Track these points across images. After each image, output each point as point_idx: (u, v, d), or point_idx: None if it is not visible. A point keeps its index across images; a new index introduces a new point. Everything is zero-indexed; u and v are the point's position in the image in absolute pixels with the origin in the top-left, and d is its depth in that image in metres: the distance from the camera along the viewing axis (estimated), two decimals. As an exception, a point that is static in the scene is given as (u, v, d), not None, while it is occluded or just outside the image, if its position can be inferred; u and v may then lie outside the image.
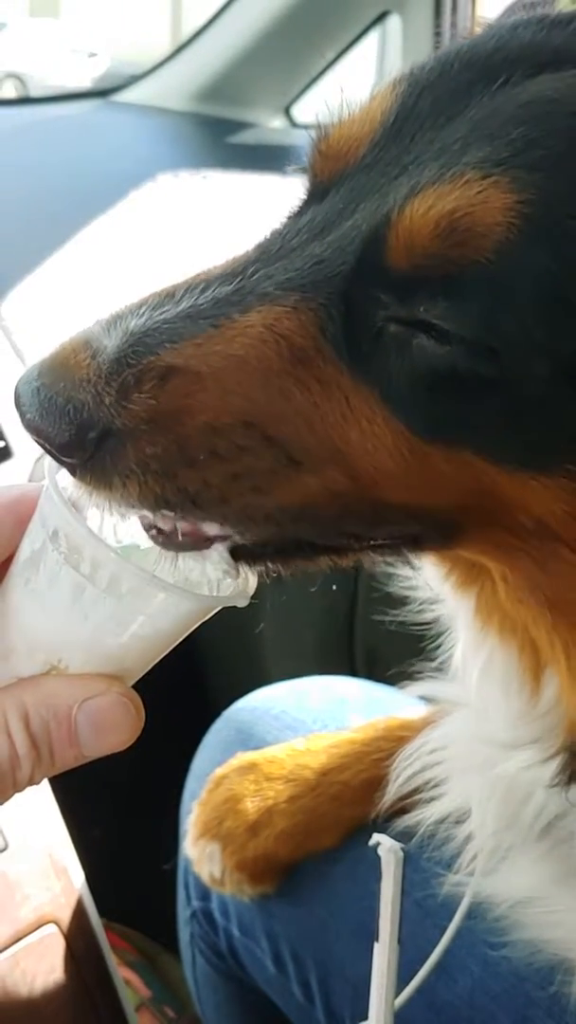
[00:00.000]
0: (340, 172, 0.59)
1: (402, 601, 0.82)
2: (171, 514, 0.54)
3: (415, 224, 0.52)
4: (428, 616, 0.81)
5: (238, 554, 0.57)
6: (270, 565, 0.59)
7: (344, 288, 0.55)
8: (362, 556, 0.62)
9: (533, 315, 0.51)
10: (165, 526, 0.55)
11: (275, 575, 0.60)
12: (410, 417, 0.55)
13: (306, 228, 0.57)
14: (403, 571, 0.80)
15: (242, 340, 0.54)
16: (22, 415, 0.53)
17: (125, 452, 0.52)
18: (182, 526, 0.55)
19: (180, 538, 0.55)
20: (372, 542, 0.61)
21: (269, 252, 0.57)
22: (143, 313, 0.54)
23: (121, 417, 0.51)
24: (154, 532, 0.56)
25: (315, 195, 0.61)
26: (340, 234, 0.56)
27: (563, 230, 0.50)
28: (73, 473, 0.53)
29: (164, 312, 0.54)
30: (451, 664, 0.78)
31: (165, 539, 0.56)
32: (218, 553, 0.56)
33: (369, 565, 0.66)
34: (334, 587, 1.46)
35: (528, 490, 0.55)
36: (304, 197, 0.62)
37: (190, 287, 0.56)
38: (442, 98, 0.57)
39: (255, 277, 0.56)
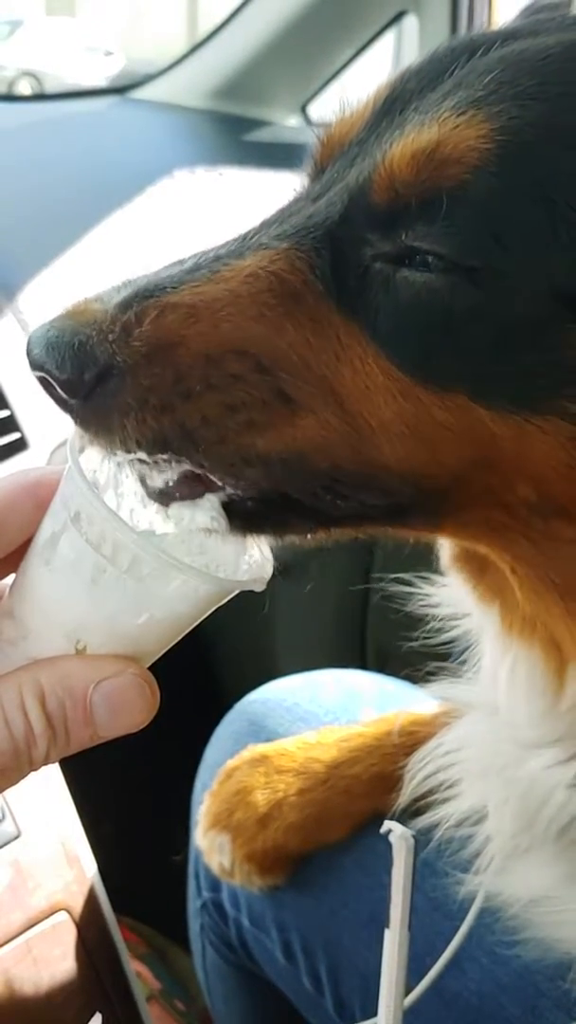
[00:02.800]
0: (337, 154, 0.63)
1: (415, 604, 0.82)
2: (168, 458, 0.54)
3: (395, 161, 0.55)
4: (441, 617, 0.81)
5: (230, 512, 0.57)
6: (262, 528, 0.60)
7: (333, 232, 0.57)
8: (351, 528, 0.63)
9: (511, 232, 0.52)
10: (162, 477, 0.56)
11: (270, 539, 0.61)
12: (399, 355, 0.56)
13: (303, 197, 0.61)
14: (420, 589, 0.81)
15: (236, 279, 0.56)
16: (28, 353, 0.55)
17: (124, 388, 0.53)
18: (175, 476, 0.56)
19: (174, 489, 0.56)
20: (359, 508, 0.60)
21: (269, 221, 0.61)
22: (151, 273, 0.58)
23: (122, 353, 0.53)
24: (148, 487, 0.57)
25: (315, 176, 0.64)
26: (332, 193, 0.59)
27: (536, 152, 0.53)
28: (72, 415, 0.55)
29: (170, 270, 0.58)
30: (480, 670, 0.78)
31: (158, 493, 0.57)
32: (210, 503, 0.56)
33: (381, 538, 0.66)
34: (347, 582, 1.47)
35: (526, 440, 0.55)
36: (306, 181, 0.65)
37: (198, 253, 0.59)
38: (428, 75, 0.60)
39: (254, 237, 0.59)
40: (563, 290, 0.53)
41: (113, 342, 0.53)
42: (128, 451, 0.54)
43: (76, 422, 0.56)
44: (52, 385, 0.55)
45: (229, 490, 0.57)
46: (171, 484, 0.56)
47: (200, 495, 0.56)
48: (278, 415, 0.56)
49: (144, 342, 0.54)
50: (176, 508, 0.56)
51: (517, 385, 0.55)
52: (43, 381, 0.55)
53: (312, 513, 0.60)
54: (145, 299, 0.55)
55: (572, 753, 0.68)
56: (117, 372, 0.53)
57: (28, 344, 0.55)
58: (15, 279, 1.30)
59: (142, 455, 0.54)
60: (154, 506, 0.57)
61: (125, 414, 0.54)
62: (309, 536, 0.62)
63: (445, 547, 0.73)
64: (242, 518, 0.58)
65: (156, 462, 0.55)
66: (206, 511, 0.56)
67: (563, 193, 0.52)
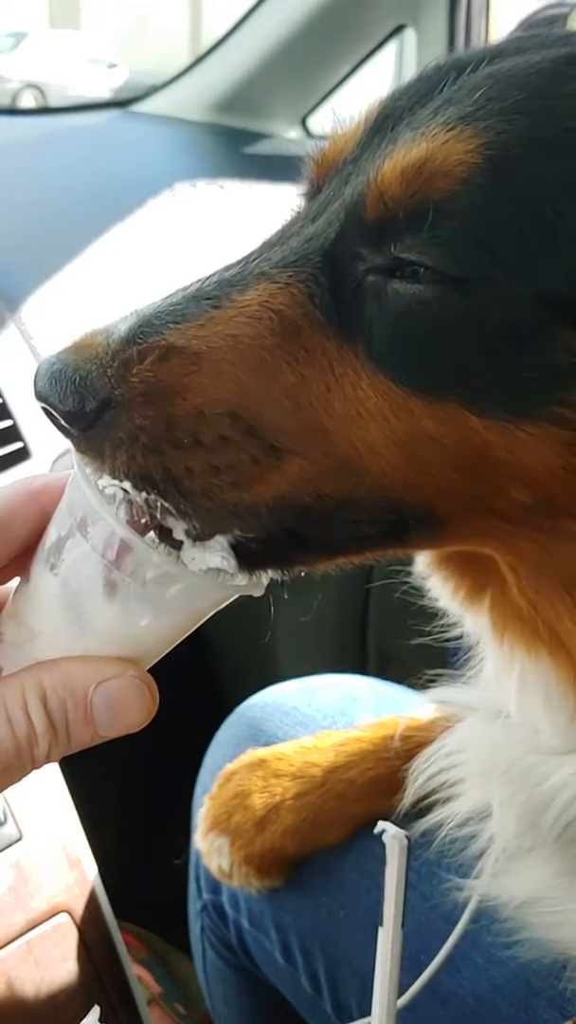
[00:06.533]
0: (332, 173, 0.64)
1: (415, 606, 0.83)
2: (155, 497, 0.55)
3: (385, 177, 0.57)
4: (443, 621, 0.82)
5: (238, 553, 0.58)
6: (271, 565, 0.61)
7: (330, 252, 0.59)
8: (355, 556, 0.64)
9: (498, 240, 0.54)
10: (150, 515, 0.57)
11: (280, 579, 0.62)
12: (392, 366, 0.57)
13: (301, 218, 0.63)
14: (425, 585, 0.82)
15: (239, 320, 0.57)
16: (35, 385, 0.56)
17: (118, 421, 0.55)
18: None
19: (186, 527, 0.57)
20: (362, 533, 0.62)
21: (270, 243, 0.62)
22: (156, 301, 0.59)
23: (120, 388, 0.55)
24: (156, 530, 0.58)
25: (312, 196, 0.65)
26: (330, 212, 0.60)
27: (522, 163, 0.54)
28: (72, 441, 0.57)
29: (173, 297, 0.59)
30: (481, 673, 0.78)
31: (169, 538, 0.58)
32: (219, 544, 0.57)
33: (382, 561, 0.67)
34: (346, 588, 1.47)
35: (519, 446, 0.56)
36: (303, 201, 0.67)
37: (201, 277, 0.60)
38: (418, 93, 0.62)
39: (256, 261, 0.60)
40: (550, 296, 0.54)
41: (111, 377, 0.55)
42: (116, 479, 0.55)
43: (75, 447, 0.57)
44: (56, 415, 0.57)
45: (237, 532, 0.58)
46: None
47: (210, 536, 0.57)
48: (265, 469, 0.57)
49: (142, 380, 0.55)
50: (187, 549, 0.57)
51: (509, 392, 0.56)
52: (47, 412, 0.57)
53: (318, 545, 0.62)
54: (148, 334, 0.56)
55: None
56: (114, 405, 0.55)
57: (35, 376, 0.57)
58: (18, 291, 1.31)
59: (127, 486, 0.55)
60: None
61: (116, 447, 0.55)
62: (317, 567, 0.63)
63: (423, 553, 0.74)
64: (250, 558, 0.59)
65: (143, 500, 0.56)
66: (216, 552, 0.57)
67: (549, 201, 0.54)
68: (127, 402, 0.55)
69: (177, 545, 0.57)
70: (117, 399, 0.55)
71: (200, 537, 0.57)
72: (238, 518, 0.57)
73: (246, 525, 0.58)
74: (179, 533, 0.57)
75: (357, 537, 0.62)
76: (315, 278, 0.58)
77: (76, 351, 0.56)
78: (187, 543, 0.57)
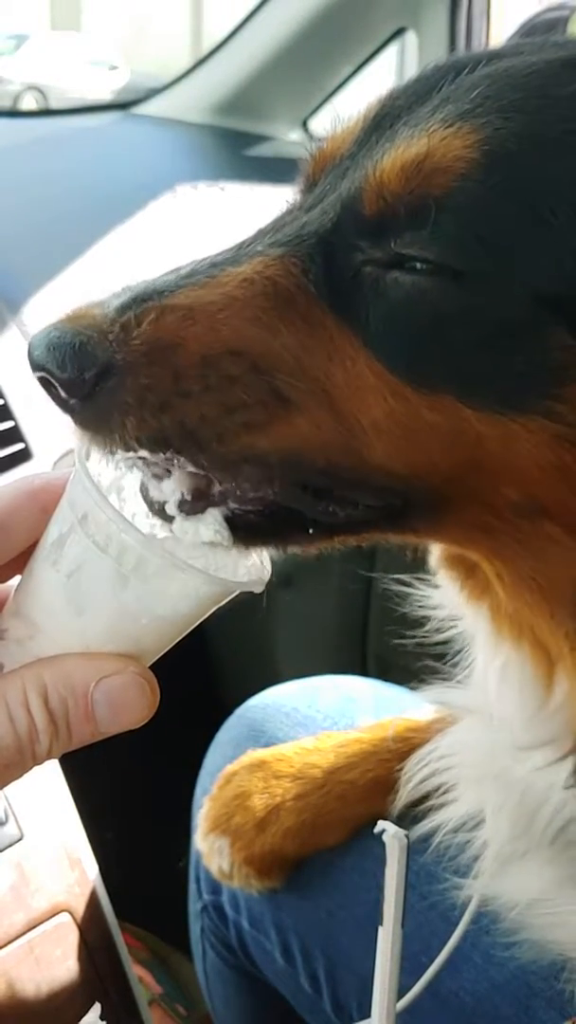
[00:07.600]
0: (329, 168, 0.65)
1: (415, 607, 0.83)
2: (169, 457, 0.56)
3: (384, 173, 0.57)
4: (442, 623, 0.82)
5: (233, 526, 0.59)
6: (265, 540, 0.61)
7: (326, 239, 0.59)
8: (353, 536, 0.64)
9: (496, 236, 0.55)
10: (165, 485, 0.57)
11: (274, 550, 0.62)
12: (389, 356, 0.57)
13: (297, 208, 0.63)
14: (419, 590, 0.82)
15: (233, 283, 0.58)
16: (30, 355, 0.56)
17: (124, 386, 0.55)
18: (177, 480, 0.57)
19: (179, 501, 0.58)
20: (358, 514, 0.62)
21: (264, 231, 0.63)
22: (148, 280, 0.59)
23: (121, 351, 0.55)
24: (153, 504, 0.59)
25: (308, 189, 0.66)
26: (325, 204, 0.61)
27: (519, 160, 0.55)
28: (73, 416, 0.57)
29: (167, 276, 0.59)
30: (472, 674, 0.79)
31: (161, 510, 0.58)
32: (213, 517, 0.57)
33: (380, 543, 0.67)
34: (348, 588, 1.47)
35: (511, 440, 0.57)
36: (298, 195, 0.67)
37: (194, 260, 0.61)
38: (416, 92, 0.63)
39: (250, 246, 0.61)
40: (546, 292, 0.55)
41: (113, 342, 0.55)
42: (129, 449, 0.56)
43: (76, 422, 0.57)
44: (53, 386, 0.56)
45: (232, 504, 0.58)
46: (174, 493, 0.58)
47: (203, 510, 0.58)
48: (274, 415, 0.57)
49: (143, 342, 0.55)
50: (180, 523, 0.57)
51: (503, 386, 0.56)
52: (44, 382, 0.57)
53: (314, 523, 0.62)
54: (144, 302, 0.57)
55: (564, 753, 0.69)
56: (117, 371, 0.55)
57: (30, 346, 0.56)
58: (19, 292, 1.31)
59: (143, 453, 0.55)
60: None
61: (125, 413, 0.55)
62: (312, 546, 0.63)
63: (434, 549, 0.75)
64: (245, 531, 0.59)
65: (157, 462, 0.56)
66: (209, 525, 0.57)
67: (545, 199, 0.55)
68: (131, 365, 0.55)
69: (170, 519, 0.57)
70: (119, 364, 0.55)
71: (192, 511, 0.57)
72: (249, 464, 0.57)
73: (257, 473, 0.58)
74: (171, 508, 0.57)
75: (357, 520, 0.62)
76: (310, 257, 0.59)
77: (73, 321, 0.56)
78: (179, 517, 0.57)
